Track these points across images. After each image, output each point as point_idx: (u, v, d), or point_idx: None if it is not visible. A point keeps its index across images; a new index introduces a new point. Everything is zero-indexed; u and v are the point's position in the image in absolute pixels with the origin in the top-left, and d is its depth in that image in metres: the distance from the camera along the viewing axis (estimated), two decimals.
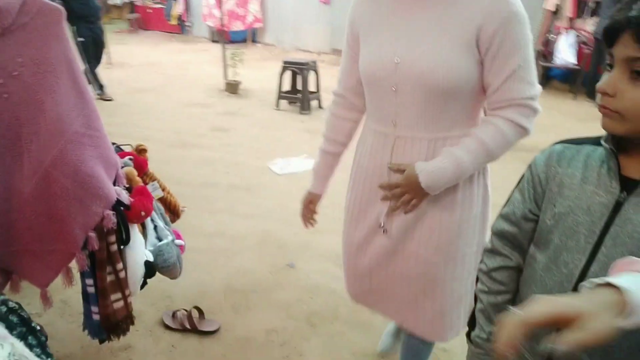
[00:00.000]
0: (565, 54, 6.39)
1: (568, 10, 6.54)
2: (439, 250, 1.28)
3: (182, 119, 5.19)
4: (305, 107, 5.48)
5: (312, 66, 5.52)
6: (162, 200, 1.92)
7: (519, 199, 0.95)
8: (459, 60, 1.11)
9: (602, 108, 0.78)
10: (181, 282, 2.15)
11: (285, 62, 5.60)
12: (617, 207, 0.81)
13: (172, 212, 1.99)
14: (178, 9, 11.73)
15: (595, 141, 0.87)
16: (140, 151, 1.87)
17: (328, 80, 6.70)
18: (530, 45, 1.12)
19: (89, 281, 1.56)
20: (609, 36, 0.76)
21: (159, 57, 8.70)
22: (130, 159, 1.76)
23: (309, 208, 1.56)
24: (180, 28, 12.10)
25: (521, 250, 0.97)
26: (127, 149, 1.87)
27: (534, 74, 1.14)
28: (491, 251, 1.00)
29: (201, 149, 4.30)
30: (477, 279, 1.04)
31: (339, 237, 2.95)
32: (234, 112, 5.55)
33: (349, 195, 1.45)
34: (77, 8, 5.19)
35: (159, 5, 12.32)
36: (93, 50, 5.47)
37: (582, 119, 5.44)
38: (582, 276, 0.84)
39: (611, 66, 0.77)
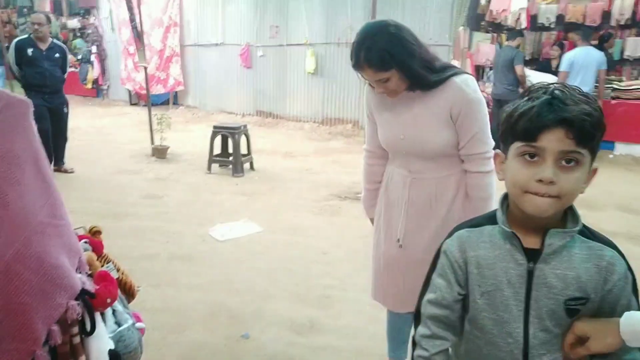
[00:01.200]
0: None
1: None
2: None
3: (109, 188, 5.00)
4: (238, 170, 5.53)
5: (243, 130, 5.63)
6: (118, 281, 1.86)
7: (444, 284, 1.07)
8: (442, 132, 1.63)
9: (545, 195, 0.91)
10: None
11: (216, 127, 5.67)
12: (530, 275, 0.98)
13: (128, 293, 1.92)
14: (94, 73, 11.47)
15: (490, 220, 1.04)
16: (95, 233, 1.82)
17: (257, 141, 6.85)
18: (485, 118, 1.63)
19: None
20: (532, 132, 0.90)
21: (76, 122, 8.32)
22: (85, 242, 1.71)
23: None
24: (96, 91, 11.79)
25: (454, 328, 1.10)
26: (79, 231, 1.81)
27: (488, 136, 1.64)
28: (430, 337, 1.08)
29: (135, 218, 4.16)
30: None
31: (290, 302, 2.99)
32: (165, 177, 5.45)
33: (379, 220, 1.89)
34: (30, 76, 5.02)
35: (72, 69, 11.96)
36: (49, 124, 5.13)
37: None
38: (526, 340, 1.00)
39: (532, 156, 0.91)
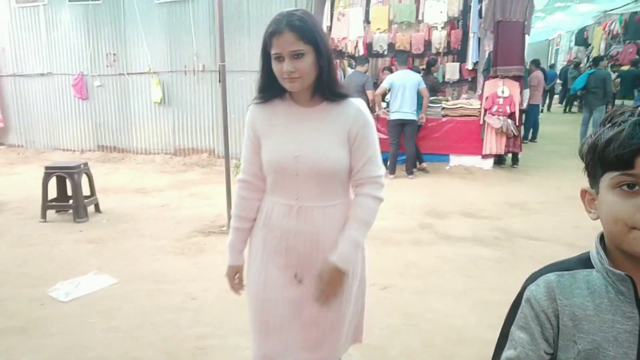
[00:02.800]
0: None
1: None
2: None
3: None
4: (81, 215, 4.84)
5: (83, 168, 4.98)
6: None
7: (526, 339, 0.88)
8: (339, 152, 1.56)
9: None
10: None
11: (49, 168, 4.92)
12: None
13: None
14: None
15: (581, 264, 0.89)
16: None
17: (101, 179, 6.14)
18: (377, 141, 1.62)
19: None
20: (627, 158, 0.77)
21: None
22: None
23: (237, 279, 1.76)
24: None
25: None
26: None
27: (380, 161, 1.64)
28: None
29: None
30: None
31: None
32: None
33: (259, 261, 1.67)
34: None
35: None
36: None
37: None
38: None
39: (631, 186, 0.78)
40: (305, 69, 1.48)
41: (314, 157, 1.54)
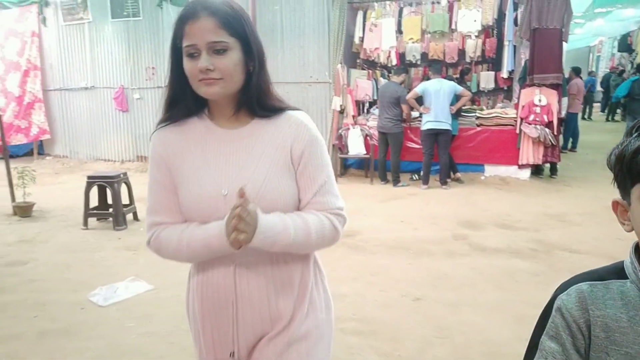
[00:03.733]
0: (356, 145, 7.38)
1: (350, 110, 7.67)
2: None
3: None
4: (120, 223, 5.02)
5: (123, 178, 5.17)
6: None
7: (557, 349, 0.86)
8: (282, 181, 1.17)
9: None
10: None
11: (91, 177, 5.13)
12: None
13: None
14: None
15: (615, 274, 0.87)
16: None
17: (140, 189, 6.33)
18: (330, 165, 1.24)
19: None
20: None
21: None
22: None
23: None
24: None
25: None
26: None
27: (337, 189, 1.24)
28: None
29: None
30: None
31: None
32: (31, 239, 4.73)
33: (194, 326, 1.30)
34: None
35: None
36: None
37: (382, 200, 6.22)
38: None
39: None
40: (227, 69, 1.10)
41: (251, 193, 1.11)
